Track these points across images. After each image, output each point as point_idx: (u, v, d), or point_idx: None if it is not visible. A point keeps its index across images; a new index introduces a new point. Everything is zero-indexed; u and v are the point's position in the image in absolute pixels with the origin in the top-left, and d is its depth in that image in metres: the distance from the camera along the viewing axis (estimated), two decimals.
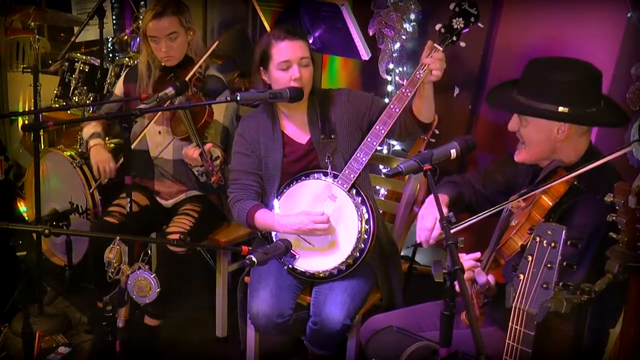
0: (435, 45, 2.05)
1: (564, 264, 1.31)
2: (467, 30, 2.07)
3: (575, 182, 1.62)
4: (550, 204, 1.63)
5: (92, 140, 2.62)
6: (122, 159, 2.59)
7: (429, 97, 2.09)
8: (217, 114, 2.49)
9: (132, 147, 2.49)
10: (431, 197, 1.88)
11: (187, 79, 2.42)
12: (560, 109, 1.64)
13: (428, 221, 1.84)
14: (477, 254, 1.69)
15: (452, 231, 1.64)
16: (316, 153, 2.18)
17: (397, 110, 2.08)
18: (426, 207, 1.88)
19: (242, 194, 2.19)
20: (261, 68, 2.14)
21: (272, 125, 2.21)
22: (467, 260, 1.67)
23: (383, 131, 2.09)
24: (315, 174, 2.15)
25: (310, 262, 2.11)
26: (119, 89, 2.69)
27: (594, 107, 1.68)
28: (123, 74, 2.73)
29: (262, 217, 2.12)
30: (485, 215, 1.73)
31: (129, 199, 2.13)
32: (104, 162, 2.55)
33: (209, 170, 2.21)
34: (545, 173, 1.74)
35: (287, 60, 2.07)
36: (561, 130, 1.68)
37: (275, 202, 2.16)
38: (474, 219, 1.74)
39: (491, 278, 1.65)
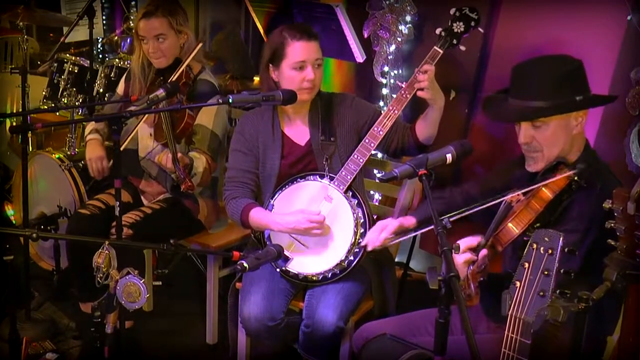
0: (435, 48, 2.06)
1: (562, 271, 1.29)
2: (467, 34, 2.09)
3: (576, 178, 1.63)
4: (550, 196, 1.64)
5: (89, 135, 2.60)
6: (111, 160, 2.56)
7: (434, 120, 2.10)
8: (205, 119, 2.47)
9: (123, 146, 2.46)
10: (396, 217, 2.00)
11: (172, 80, 2.38)
12: (577, 98, 1.69)
13: (377, 227, 1.96)
14: (478, 238, 1.70)
15: (452, 219, 1.66)
16: (314, 155, 2.16)
17: (396, 111, 2.08)
18: (386, 219, 1.97)
19: (237, 192, 2.17)
20: (270, 65, 2.11)
21: (272, 125, 2.19)
22: (468, 242, 1.68)
23: (381, 132, 2.08)
24: (311, 176, 2.13)
25: (304, 264, 2.09)
26: (120, 87, 2.68)
27: (588, 91, 1.75)
28: (126, 73, 2.71)
29: (257, 216, 2.10)
30: (483, 207, 1.73)
31: (118, 202, 2.09)
32: (97, 160, 2.53)
33: (180, 178, 2.20)
34: (547, 168, 1.74)
35: (303, 61, 2.06)
36: (578, 120, 1.71)
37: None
38: (472, 209, 1.75)
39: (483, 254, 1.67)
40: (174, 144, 2.26)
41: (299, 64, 2.06)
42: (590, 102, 1.75)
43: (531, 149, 1.72)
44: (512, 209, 1.70)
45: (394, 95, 2.91)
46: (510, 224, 1.65)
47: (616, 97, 1.93)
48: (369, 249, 1.96)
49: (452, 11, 2.10)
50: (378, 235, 1.93)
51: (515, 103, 1.73)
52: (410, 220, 1.97)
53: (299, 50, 2.06)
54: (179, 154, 2.23)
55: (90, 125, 2.66)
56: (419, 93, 2.04)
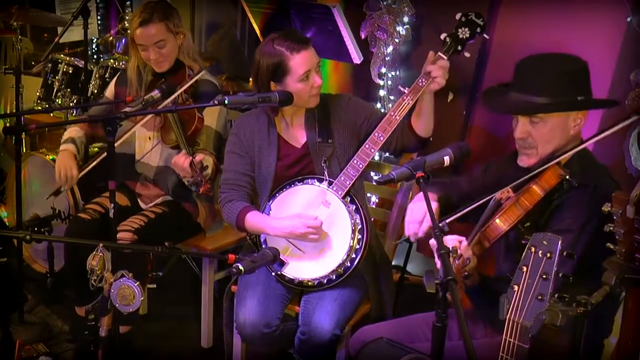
0: (439, 54, 2.04)
1: (560, 274, 1.28)
2: (472, 41, 2.07)
3: (567, 177, 1.61)
4: (540, 194, 1.62)
5: (63, 145, 2.55)
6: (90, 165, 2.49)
7: (428, 109, 2.08)
8: (209, 119, 2.45)
9: (116, 146, 2.43)
10: (421, 193, 1.85)
11: (182, 90, 2.35)
12: (579, 97, 1.67)
13: (418, 214, 1.83)
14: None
15: (447, 221, 1.66)
16: (311, 158, 2.15)
17: (398, 117, 2.06)
18: (416, 200, 1.88)
19: (233, 194, 2.15)
20: (272, 82, 2.06)
21: (268, 127, 2.17)
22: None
23: (382, 138, 2.06)
24: (309, 180, 2.11)
25: (300, 269, 2.07)
26: (110, 92, 2.65)
27: (590, 93, 1.73)
28: (115, 77, 2.68)
29: (253, 219, 2.08)
30: (474, 206, 1.72)
31: (112, 204, 2.07)
32: (66, 168, 2.44)
33: (197, 181, 2.17)
34: (537, 166, 1.72)
35: (308, 71, 2.03)
36: (577, 121, 1.69)
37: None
38: (463, 210, 1.75)
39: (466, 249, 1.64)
40: (189, 147, 2.22)
41: (305, 75, 2.03)
42: (592, 104, 1.73)
43: (526, 144, 1.71)
44: (501, 206, 1.69)
45: (392, 97, 2.91)
46: (497, 220, 1.64)
47: (618, 102, 1.91)
48: (412, 240, 1.86)
49: (457, 16, 2.07)
50: (420, 227, 1.82)
51: (516, 97, 1.71)
52: (434, 196, 1.89)
53: (302, 62, 2.02)
54: (199, 157, 2.18)
55: (70, 133, 2.59)
56: (435, 83, 2.01)
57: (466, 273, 1.64)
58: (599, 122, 2.27)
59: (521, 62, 1.75)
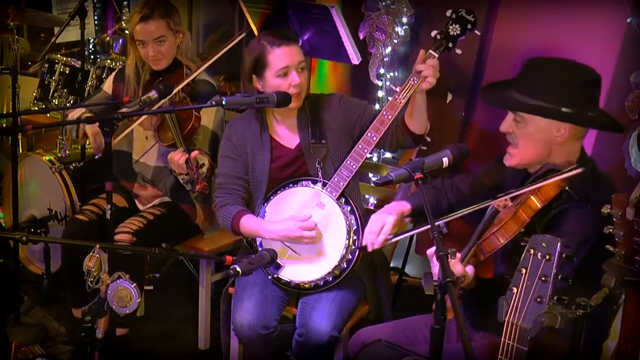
0: (430, 51, 2.03)
1: (559, 277, 1.28)
2: (463, 37, 2.06)
3: (567, 188, 1.60)
4: (539, 205, 1.61)
5: (85, 115, 2.49)
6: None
7: (421, 107, 2.07)
8: (205, 119, 2.45)
9: (113, 145, 2.41)
10: (392, 203, 1.95)
11: (180, 88, 2.34)
12: (564, 109, 1.63)
13: (376, 225, 1.88)
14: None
15: (444, 221, 1.66)
16: (305, 159, 2.14)
17: (390, 117, 2.05)
18: (381, 211, 1.92)
19: (227, 198, 2.14)
20: (254, 76, 2.08)
21: (260, 129, 2.16)
22: None
23: (375, 138, 2.06)
24: (303, 182, 2.11)
25: (296, 271, 2.06)
26: (108, 85, 2.64)
27: (595, 111, 1.69)
28: (114, 72, 2.68)
29: (247, 223, 2.08)
30: (469, 211, 1.71)
31: (109, 205, 2.06)
32: (98, 135, 2.39)
33: (193, 179, 2.17)
34: (537, 175, 1.72)
35: (286, 67, 2.03)
36: (560, 132, 1.66)
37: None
38: (458, 214, 1.74)
39: (469, 269, 1.63)
40: (185, 145, 2.22)
41: (282, 71, 2.03)
42: (574, 119, 1.65)
43: (511, 140, 1.72)
44: (499, 216, 1.67)
45: (390, 98, 2.90)
46: (495, 235, 1.63)
47: (617, 128, 1.80)
48: (369, 249, 1.91)
49: (448, 13, 2.07)
50: (377, 237, 1.88)
51: (510, 92, 1.71)
52: (405, 206, 1.92)
53: (280, 56, 2.03)
54: (195, 153, 2.17)
55: (77, 112, 2.55)
56: (426, 82, 2.00)
57: (461, 291, 1.64)
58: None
59: (527, 61, 1.73)
